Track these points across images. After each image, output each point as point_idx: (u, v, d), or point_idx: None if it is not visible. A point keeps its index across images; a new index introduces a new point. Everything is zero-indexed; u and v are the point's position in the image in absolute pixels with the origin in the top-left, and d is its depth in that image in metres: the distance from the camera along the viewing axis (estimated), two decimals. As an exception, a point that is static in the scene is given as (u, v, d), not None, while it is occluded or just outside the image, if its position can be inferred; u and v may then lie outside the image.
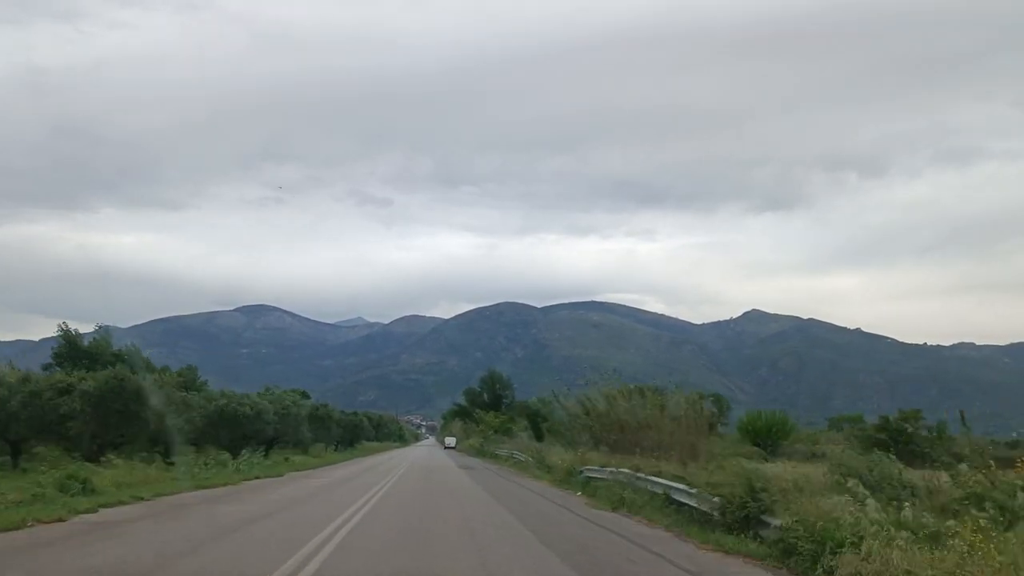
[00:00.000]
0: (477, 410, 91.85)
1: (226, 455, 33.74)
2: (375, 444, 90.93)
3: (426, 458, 58.12)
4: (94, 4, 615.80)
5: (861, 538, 8.91)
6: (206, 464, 29.68)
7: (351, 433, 70.78)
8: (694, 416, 32.28)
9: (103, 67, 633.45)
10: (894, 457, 15.34)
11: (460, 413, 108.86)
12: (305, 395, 72.41)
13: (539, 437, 77.96)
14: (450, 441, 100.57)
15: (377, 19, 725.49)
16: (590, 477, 23.31)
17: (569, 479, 25.48)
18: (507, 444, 52.48)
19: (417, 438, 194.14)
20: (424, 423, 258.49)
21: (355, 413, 75.68)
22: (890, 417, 62.68)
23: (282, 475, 30.81)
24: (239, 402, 36.31)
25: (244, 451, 33.46)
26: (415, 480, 28.64)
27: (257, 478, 28.15)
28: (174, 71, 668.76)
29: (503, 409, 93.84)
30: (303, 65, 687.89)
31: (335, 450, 67.32)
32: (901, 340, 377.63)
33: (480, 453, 62.18)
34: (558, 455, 31.02)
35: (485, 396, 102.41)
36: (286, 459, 41.52)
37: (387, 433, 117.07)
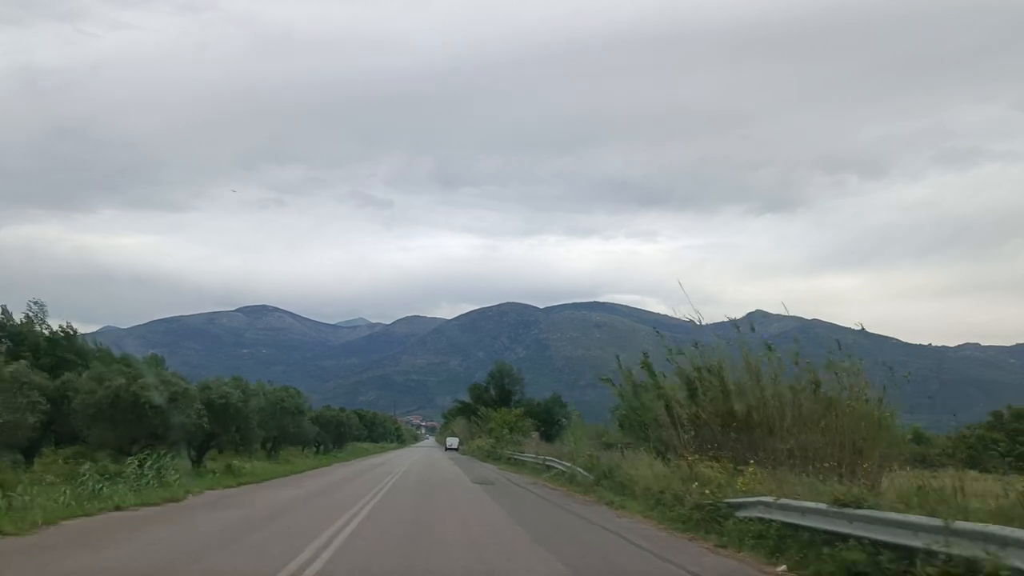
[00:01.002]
0: (482, 407, 78.85)
1: (129, 461, 20.66)
2: (367, 446, 77.49)
3: (425, 464, 45.01)
4: (95, 5, 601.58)
5: None
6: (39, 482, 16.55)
7: (336, 432, 57.46)
8: (863, 403, 19.81)
9: (104, 68, 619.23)
10: None
11: (463, 411, 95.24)
12: (294, 391, 60.09)
13: (549, 438, 64.30)
14: (452, 442, 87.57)
15: (378, 20, 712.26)
16: (791, 525, 10.04)
17: (714, 523, 12.22)
18: (530, 447, 39.22)
19: (416, 438, 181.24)
20: (424, 423, 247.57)
21: (342, 409, 62.61)
22: (1004, 413, 49.75)
23: (180, 500, 17.57)
24: (144, 386, 23.09)
25: (132, 457, 20.22)
26: (404, 519, 15.32)
27: (117, 509, 15.05)
28: (175, 72, 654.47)
29: (512, 406, 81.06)
30: (304, 66, 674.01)
31: (316, 453, 54.15)
32: (905, 341, 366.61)
33: (492, 457, 48.92)
34: (646, 467, 17.73)
35: (492, 391, 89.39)
36: (228, 467, 28.43)
37: (382, 433, 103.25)
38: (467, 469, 36.82)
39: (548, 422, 78.37)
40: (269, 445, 41.12)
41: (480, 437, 66.75)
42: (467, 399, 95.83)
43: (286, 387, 42.22)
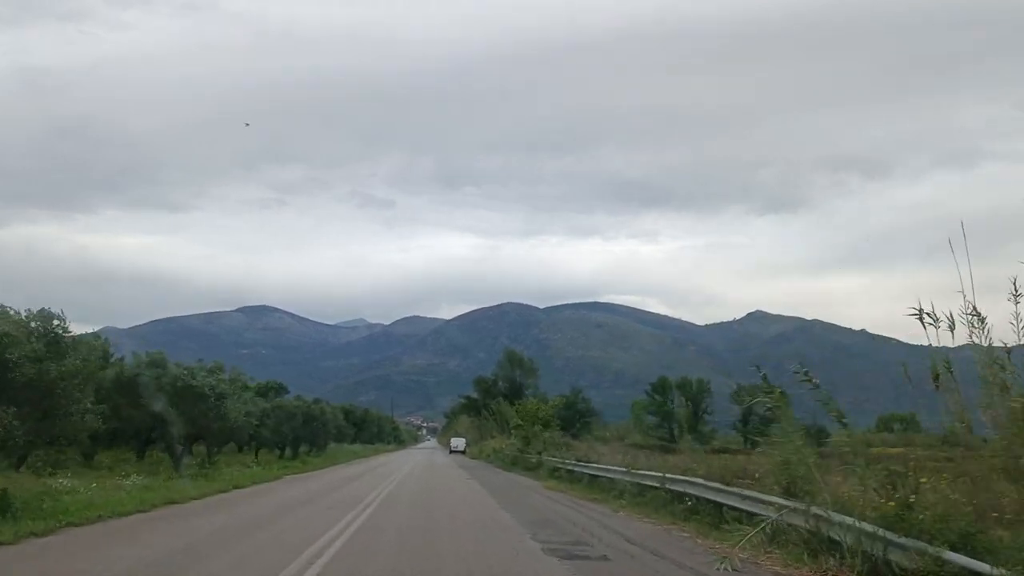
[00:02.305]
0: (495, 400, 63.25)
1: None
2: (356, 448, 61.39)
3: (426, 473, 29.45)
4: (96, 5, 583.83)
5: None
6: None
7: (310, 430, 41.46)
8: None
9: (104, 67, 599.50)
10: None
11: (469, 407, 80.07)
12: (220, 365, 45.28)
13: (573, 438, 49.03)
14: (457, 443, 72.10)
15: (379, 19, 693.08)
16: None
17: None
18: (606, 453, 23.41)
19: (417, 440, 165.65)
20: (425, 424, 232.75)
21: (316, 401, 46.79)
22: None
23: None
24: None
25: None
26: None
27: None
28: (175, 72, 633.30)
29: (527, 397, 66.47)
30: (305, 65, 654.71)
31: (281, 457, 38.46)
32: (907, 342, 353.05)
33: (521, 465, 33.11)
34: None
35: (500, 384, 74.81)
36: (3, 495, 12.75)
37: (376, 433, 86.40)
38: (498, 491, 20.99)
39: (569, 420, 63.49)
40: (181, 447, 25.41)
41: (494, 437, 51.13)
42: (471, 395, 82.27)
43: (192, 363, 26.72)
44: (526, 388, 73.41)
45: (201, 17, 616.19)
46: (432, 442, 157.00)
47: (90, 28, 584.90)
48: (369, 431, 78.47)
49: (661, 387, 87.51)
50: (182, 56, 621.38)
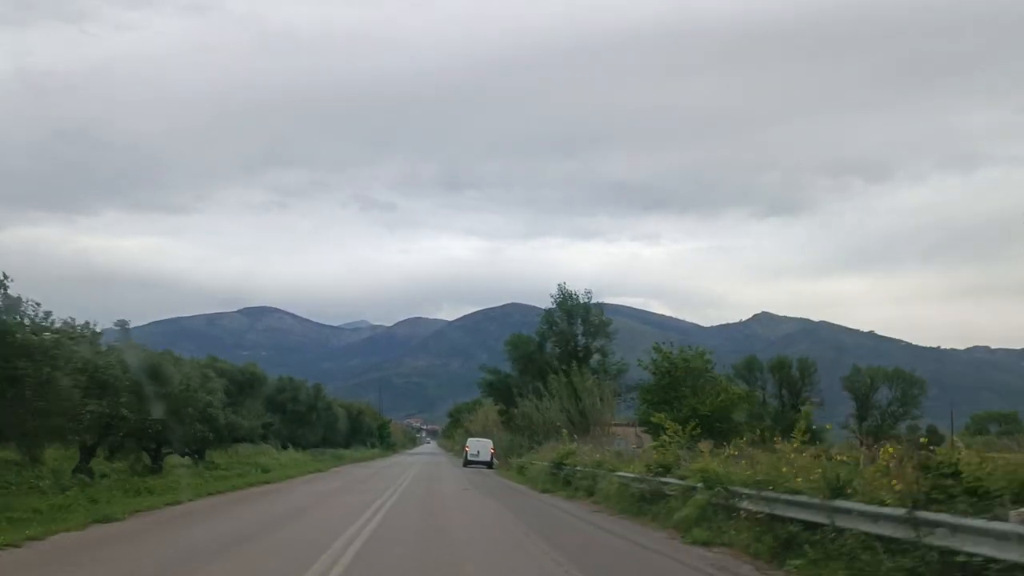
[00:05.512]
0: (561, 370, 40.53)
1: None
2: (289, 457, 38.47)
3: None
4: (99, 6, 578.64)
5: None
6: None
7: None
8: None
9: (107, 69, 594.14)
10: None
11: (500, 390, 52.57)
12: None
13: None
14: (478, 448, 48.46)
15: (382, 22, 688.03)
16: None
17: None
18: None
19: (416, 442, 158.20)
20: (425, 427, 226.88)
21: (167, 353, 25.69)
22: None
23: None
24: None
25: None
26: None
27: None
28: (178, 73, 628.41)
29: (592, 370, 42.71)
30: (308, 68, 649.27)
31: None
32: (914, 343, 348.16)
33: None
34: None
35: (548, 348, 48.91)
36: None
37: (353, 431, 69.15)
38: None
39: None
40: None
41: (637, 443, 29.17)
42: (500, 370, 54.74)
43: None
44: (592, 353, 46.51)
45: (204, 19, 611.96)
46: (432, 445, 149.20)
47: (93, 29, 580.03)
48: (317, 428, 53.55)
49: (747, 369, 67.85)
50: (184, 58, 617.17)
